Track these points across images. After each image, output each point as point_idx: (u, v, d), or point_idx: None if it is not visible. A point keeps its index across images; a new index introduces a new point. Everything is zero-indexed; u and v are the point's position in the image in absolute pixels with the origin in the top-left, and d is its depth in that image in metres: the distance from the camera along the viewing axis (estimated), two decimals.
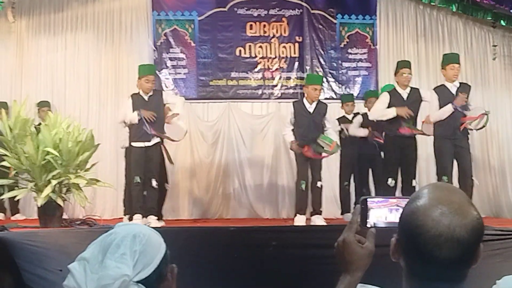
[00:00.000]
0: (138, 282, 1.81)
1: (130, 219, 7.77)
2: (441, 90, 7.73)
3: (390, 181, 7.83)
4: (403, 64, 8.24)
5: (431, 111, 7.81)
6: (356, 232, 1.75)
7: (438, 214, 1.50)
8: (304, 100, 8.26)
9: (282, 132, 8.74)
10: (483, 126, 7.71)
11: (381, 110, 7.95)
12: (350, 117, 9.48)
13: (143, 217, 7.63)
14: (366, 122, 8.96)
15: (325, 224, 7.67)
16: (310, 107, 8.15)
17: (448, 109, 7.49)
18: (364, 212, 1.76)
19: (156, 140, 7.87)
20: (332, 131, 8.33)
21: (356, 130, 9.11)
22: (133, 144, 7.84)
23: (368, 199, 1.77)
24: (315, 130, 8.07)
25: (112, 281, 1.76)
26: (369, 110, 9.06)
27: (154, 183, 7.76)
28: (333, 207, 9.81)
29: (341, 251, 1.76)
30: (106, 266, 1.79)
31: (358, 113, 9.43)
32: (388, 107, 7.91)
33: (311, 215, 8.05)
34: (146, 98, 7.88)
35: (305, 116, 8.10)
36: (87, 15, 10.67)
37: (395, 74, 8.16)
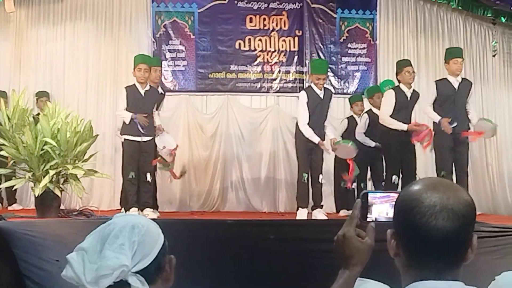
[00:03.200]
0: (136, 272, 1.81)
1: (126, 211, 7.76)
2: (443, 84, 7.75)
3: (394, 178, 7.81)
4: (405, 63, 8.18)
5: (427, 102, 7.82)
6: (356, 226, 1.75)
7: (431, 190, 1.55)
8: (314, 88, 8.10)
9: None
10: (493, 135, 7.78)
11: (391, 119, 7.87)
12: (358, 119, 9.37)
13: (138, 210, 7.61)
14: (372, 121, 8.88)
15: (326, 218, 7.67)
16: (321, 93, 8.06)
17: (436, 119, 7.63)
18: (365, 207, 1.76)
19: (148, 137, 7.81)
20: (331, 126, 8.27)
21: (364, 138, 9.03)
22: (127, 137, 7.77)
23: (370, 194, 1.77)
24: (324, 116, 8.09)
25: (110, 272, 1.76)
26: (373, 105, 9.03)
27: (148, 177, 7.73)
28: (332, 202, 9.80)
29: (340, 245, 1.75)
30: (104, 257, 1.78)
31: (365, 112, 9.34)
32: (394, 105, 7.88)
33: (312, 209, 8.01)
34: (142, 92, 7.79)
35: (318, 102, 8.02)
36: (87, 5, 10.63)
37: (397, 73, 8.11)
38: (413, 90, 8.06)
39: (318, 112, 8.01)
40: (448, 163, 7.62)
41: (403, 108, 7.90)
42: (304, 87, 9.46)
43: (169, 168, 8.04)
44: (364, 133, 8.99)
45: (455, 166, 7.71)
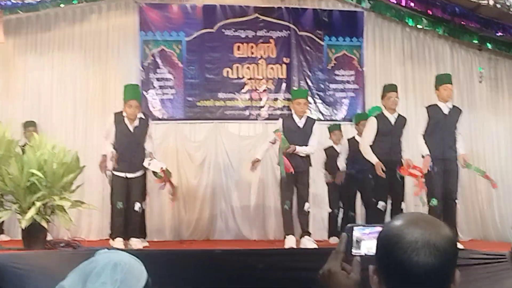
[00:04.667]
0: None
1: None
2: (433, 109, 7.77)
3: (381, 205, 7.81)
4: (390, 88, 8.23)
5: (418, 131, 7.83)
6: (342, 260, 1.74)
7: (413, 226, 1.54)
8: (293, 115, 8.20)
9: (263, 145, 8.65)
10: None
11: (368, 149, 7.93)
12: (338, 148, 9.50)
13: (124, 239, 7.56)
14: (352, 148, 8.94)
15: (315, 246, 7.64)
16: (300, 122, 8.11)
17: (423, 153, 7.70)
18: (350, 241, 1.74)
19: (139, 173, 7.80)
20: (315, 138, 8.26)
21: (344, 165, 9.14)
22: (115, 173, 7.75)
23: (355, 228, 1.76)
24: (304, 145, 8.06)
25: None
26: (359, 132, 9.06)
27: (137, 207, 7.71)
28: (319, 229, 9.77)
29: (326, 280, 1.74)
30: None
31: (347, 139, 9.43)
32: (377, 132, 7.91)
33: (300, 237, 7.98)
34: (131, 129, 7.79)
35: (294, 130, 8.06)
36: (75, 35, 10.64)
37: (382, 97, 8.18)
38: (398, 115, 8.08)
39: (295, 140, 8.01)
40: (438, 190, 7.61)
41: (387, 135, 7.92)
42: None
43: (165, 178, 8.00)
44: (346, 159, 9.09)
45: (445, 193, 7.70)
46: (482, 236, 10.50)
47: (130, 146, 7.72)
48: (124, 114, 7.83)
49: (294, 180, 7.99)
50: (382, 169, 7.64)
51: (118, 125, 7.78)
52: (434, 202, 7.47)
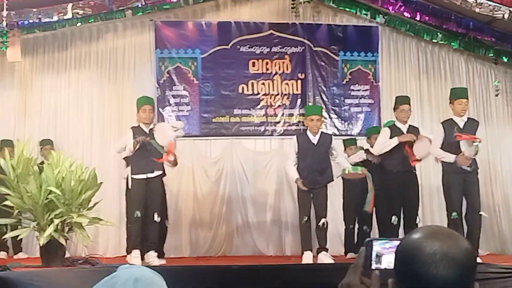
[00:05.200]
0: None
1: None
2: (448, 124, 7.71)
3: (394, 219, 7.79)
4: (402, 100, 8.27)
5: (434, 144, 7.75)
6: (361, 274, 1.74)
7: (431, 239, 1.53)
8: (308, 132, 8.22)
9: (285, 165, 8.64)
10: (475, 153, 7.59)
11: (383, 143, 7.97)
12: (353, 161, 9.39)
13: (141, 252, 7.55)
14: (366, 160, 8.92)
15: (332, 261, 7.61)
16: (314, 139, 8.11)
17: (451, 159, 7.52)
18: (369, 255, 1.74)
19: (158, 172, 7.81)
20: (342, 158, 8.32)
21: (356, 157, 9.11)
22: (134, 176, 7.75)
23: (374, 242, 1.76)
24: (321, 161, 8.05)
25: None
26: (371, 146, 9.06)
27: (156, 217, 7.67)
28: (337, 245, 9.74)
29: None
30: None
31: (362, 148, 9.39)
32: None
33: (317, 252, 7.96)
34: (146, 130, 7.85)
35: (309, 148, 8.07)
36: (91, 53, 10.73)
37: (394, 109, 8.21)
38: (409, 125, 8.10)
39: (310, 157, 8.04)
40: (459, 204, 7.54)
41: (399, 145, 7.91)
42: None
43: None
44: None
45: (467, 207, 7.62)
46: (500, 250, 10.42)
47: (148, 150, 7.71)
48: (140, 123, 7.90)
49: (311, 195, 7.99)
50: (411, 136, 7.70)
51: (135, 131, 7.84)
52: (455, 215, 7.39)
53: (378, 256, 1.75)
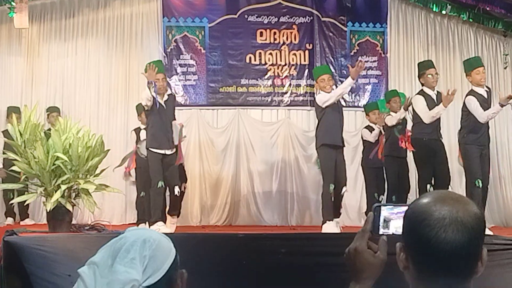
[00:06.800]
0: (147, 287, 1.80)
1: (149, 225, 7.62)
2: (475, 97, 7.38)
3: (429, 188, 7.56)
4: (428, 65, 7.90)
5: (478, 111, 7.31)
6: (369, 240, 1.74)
7: (440, 203, 1.53)
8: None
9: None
10: None
11: (427, 111, 7.52)
12: (375, 127, 9.16)
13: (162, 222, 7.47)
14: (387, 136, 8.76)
15: (339, 231, 7.53)
16: None
17: (498, 108, 7.28)
18: (377, 220, 1.75)
19: (172, 150, 7.71)
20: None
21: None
22: (151, 149, 7.67)
23: (383, 207, 1.76)
24: (338, 117, 7.83)
25: (121, 286, 1.75)
26: (392, 110, 8.82)
27: (176, 190, 7.58)
28: (343, 215, 9.76)
29: (352, 259, 1.74)
30: (115, 271, 1.78)
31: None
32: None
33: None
34: (162, 103, 7.59)
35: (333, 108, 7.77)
36: (98, 21, 10.71)
37: (420, 76, 7.81)
38: (437, 92, 7.71)
39: (330, 114, 7.72)
40: (480, 172, 7.29)
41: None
42: None
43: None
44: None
45: None
46: (505, 223, 10.45)
47: (162, 120, 7.56)
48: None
49: (334, 162, 7.70)
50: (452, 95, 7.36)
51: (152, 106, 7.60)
52: (478, 183, 7.12)
53: (386, 222, 1.75)
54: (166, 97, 7.71)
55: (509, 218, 10.52)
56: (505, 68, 11.07)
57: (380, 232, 1.75)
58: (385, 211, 1.76)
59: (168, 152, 7.60)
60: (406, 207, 1.68)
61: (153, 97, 7.36)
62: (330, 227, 7.48)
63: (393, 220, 1.74)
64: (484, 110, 7.27)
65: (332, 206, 7.67)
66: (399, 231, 1.70)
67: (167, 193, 7.70)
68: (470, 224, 1.50)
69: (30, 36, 10.58)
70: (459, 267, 1.52)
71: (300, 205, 10.29)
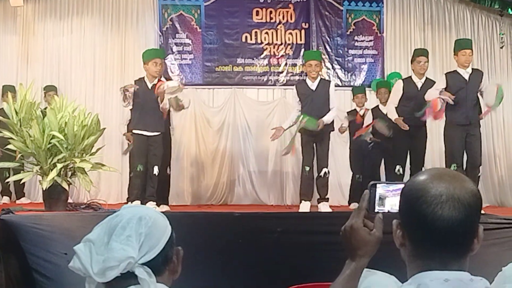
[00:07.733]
0: (143, 264, 1.81)
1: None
2: (452, 76, 7.61)
3: (398, 169, 7.79)
4: (419, 52, 8.14)
5: (429, 93, 7.59)
6: (365, 217, 1.75)
7: (437, 180, 1.55)
8: (307, 79, 8.07)
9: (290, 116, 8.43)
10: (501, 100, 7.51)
11: (391, 107, 7.96)
12: (361, 111, 9.34)
13: (141, 203, 7.51)
14: (376, 117, 8.80)
15: (330, 211, 7.62)
16: (312, 85, 7.92)
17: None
18: (373, 198, 1.75)
19: (159, 132, 7.69)
20: (334, 112, 8.10)
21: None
22: (135, 131, 7.70)
23: (378, 185, 1.76)
24: (320, 108, 7.85)
25: (117, 263, 1.76)
26: (380, 101, 9.00)
27: (155, 170, 7.57)
28: (337, 195, 9.80)
29: (348, 236, 1.75)
30: (111, 248, 1.79)
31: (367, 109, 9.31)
32: (402, 95, 7.89)
33: (318, 202, 7.97)
34: (149, 86, 7.61)
35: (307, 95, 7.90)
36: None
37: (412, 61, 8.07)
38: (426, 79, 7.93)
39: (309, 103, 7.87)
40: (459, 156, 7.51)
41: (412, 99, 7.82)
42: None
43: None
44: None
45: (467, 161, 7.59)
46: (500, 202, 10.49)
47: (149, 105, 7.60)
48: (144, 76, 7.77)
49: (313, 145, 7.94)
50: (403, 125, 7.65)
51: (140, 86, 7.62)
52: (454, 167, 7.33)
53: (382, 199, 1.76)
54: (155, 80, 7.66)
55: (504, 198, 10.56)
56: (502, 47, 11.05)
57: (376, 210, 1.76)
58: (380, 189, 1.76)
59: (154, 134, 7.60)
60: (402, 185, 1.69)
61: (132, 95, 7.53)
62: (304, 207, 7.76)
63: (389, 197, 1.75)
64: (459, 91, 7.44)
65: (310, 187, 7.98)
66: (395, 208, 1.71)
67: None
68: (467, 201, 1.51)
69: (25, 15, 10.52)
70: (455, 244, 1.53)
71: (296, 184, 10.25)
